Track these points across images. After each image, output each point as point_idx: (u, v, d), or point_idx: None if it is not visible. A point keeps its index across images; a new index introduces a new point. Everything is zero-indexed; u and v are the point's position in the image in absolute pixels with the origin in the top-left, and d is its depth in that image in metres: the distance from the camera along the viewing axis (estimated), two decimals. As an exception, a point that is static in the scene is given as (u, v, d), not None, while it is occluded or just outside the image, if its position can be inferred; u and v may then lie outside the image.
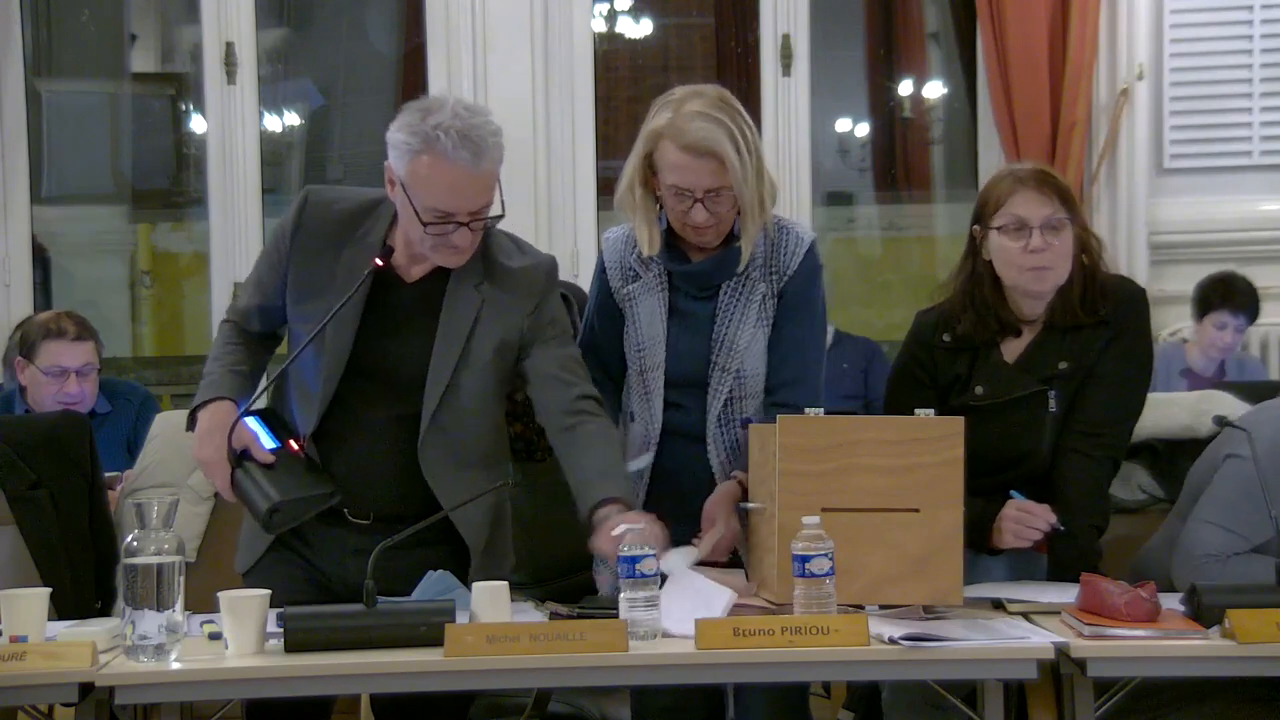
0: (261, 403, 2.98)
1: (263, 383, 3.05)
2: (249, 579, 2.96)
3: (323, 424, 2.93)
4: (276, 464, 2.85)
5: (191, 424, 2.93)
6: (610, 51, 6.66)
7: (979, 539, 3.07)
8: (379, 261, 2.86)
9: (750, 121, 3.05)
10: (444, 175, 2.79)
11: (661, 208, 3.11)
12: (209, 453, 2.87)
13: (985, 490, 3.07)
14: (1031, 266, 3.12)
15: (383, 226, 2.94)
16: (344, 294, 2.86)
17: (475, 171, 2.80)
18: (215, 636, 2.64)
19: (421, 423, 2.91)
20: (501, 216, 2.89)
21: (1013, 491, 3.06)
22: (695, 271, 3.13)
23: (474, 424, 2.96)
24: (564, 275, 4.97)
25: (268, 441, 2.87)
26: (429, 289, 2.95)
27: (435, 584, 2.84)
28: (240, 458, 2.85)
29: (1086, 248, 3.17)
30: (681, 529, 3.06)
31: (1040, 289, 3.15)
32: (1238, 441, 3.04)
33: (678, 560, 2.92)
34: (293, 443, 2.88)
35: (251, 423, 2.89)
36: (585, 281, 3.40)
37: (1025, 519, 3.03)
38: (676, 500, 3.09)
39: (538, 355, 2.98)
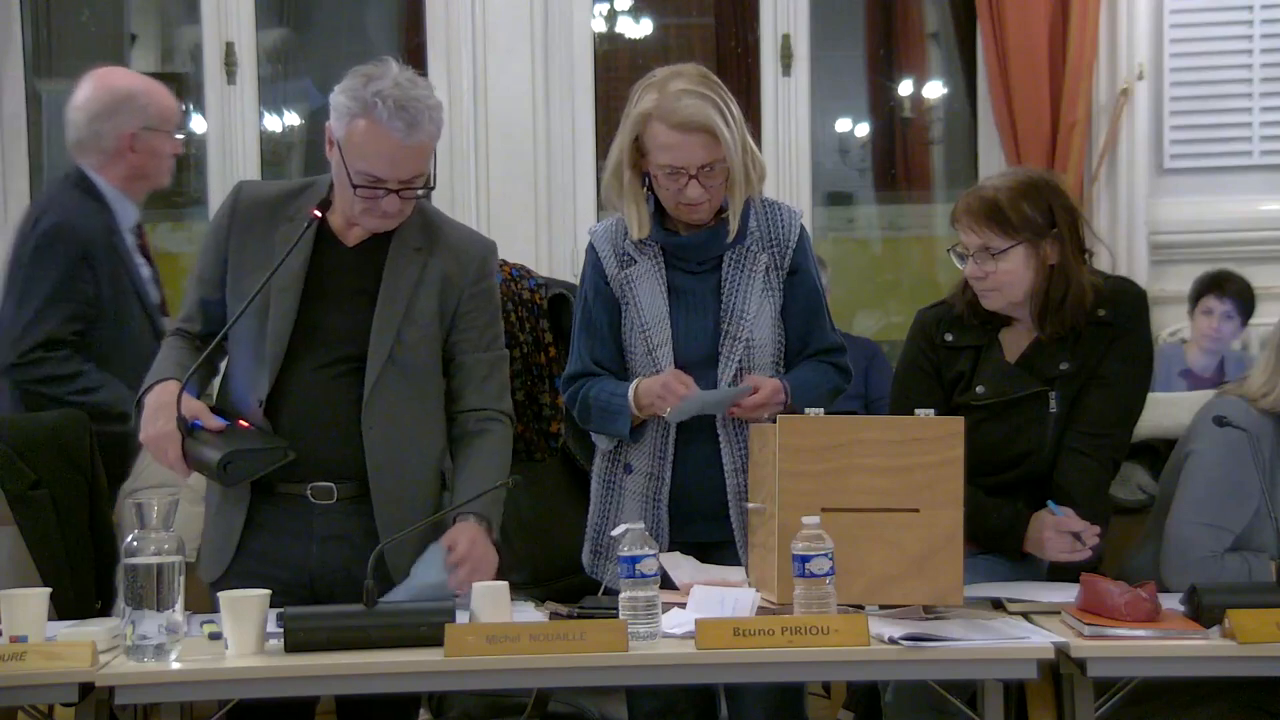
0: (209, 391, 3.03)
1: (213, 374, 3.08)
2: (217, 588, 2.86)
3: (272, 391, 2.93)
4: (226, 431, 2.88)
5: (139, 416, 2.94)
6: (610, 51, 6.64)
7: (1010, 545, 3.08)
8: (317, 213, 2.91)
9: (730, 95, 3.08)
10: (376, 141, 2.86)
11: (649, 190, 3.13)
12: (159, 425, 2.87)
13: (989, 490, 3.08)
14: (977, 288, 3.17)
15: (316, 203, 2.97)
16: (284, 265, 2.89)
17: (408, 141, 2.86)
18: (215, 636, 2.64)
19: (366, 382, 2.91)
20: (432, 188, 2.95)
21: (1051, 503, 3.05)
22: (691, 243, 3.14)
23: (418, 382, 2.98)
24: (564, 275, 4.99)
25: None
26: (369, 252, 2.99)
27: (435, 557, 2.85)
28: (190, 429, 2.86)
29: (1064, 262, 3.12)
30: (697, 502, 3.08)
31: (988, 306, 3.19)
32: (1195, 438, 3.08)
33: (686, 564, 2.93)
34: (241, 421, 2.91)
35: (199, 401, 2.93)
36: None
37: (1074, 543, 3.00)
38: (690, 483, 3.10)
39: (468, 350, 3.02)
